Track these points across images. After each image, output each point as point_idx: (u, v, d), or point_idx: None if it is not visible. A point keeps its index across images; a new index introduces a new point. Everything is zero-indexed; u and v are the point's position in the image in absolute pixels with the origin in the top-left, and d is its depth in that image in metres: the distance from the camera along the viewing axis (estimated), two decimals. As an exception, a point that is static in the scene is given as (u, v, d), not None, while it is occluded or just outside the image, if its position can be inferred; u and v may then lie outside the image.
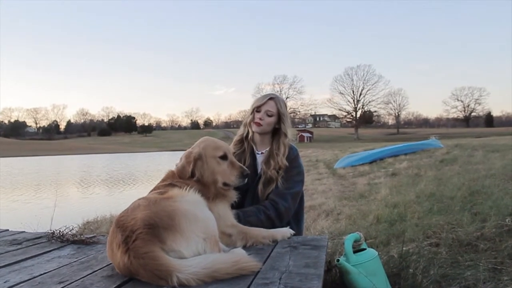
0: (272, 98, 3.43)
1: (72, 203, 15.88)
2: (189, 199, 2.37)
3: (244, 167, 2.77)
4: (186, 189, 2.49)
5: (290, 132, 3.44)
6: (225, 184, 2.72)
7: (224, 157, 2.75)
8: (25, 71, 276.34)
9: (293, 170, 3.35)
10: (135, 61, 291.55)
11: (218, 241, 2.30)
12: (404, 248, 3.24)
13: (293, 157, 3.39)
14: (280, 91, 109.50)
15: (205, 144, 2.80)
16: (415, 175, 11.20)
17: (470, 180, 7.95)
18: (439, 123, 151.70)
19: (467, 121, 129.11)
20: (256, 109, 3.43)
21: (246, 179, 2.78)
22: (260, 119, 3.37)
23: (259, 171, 3.43)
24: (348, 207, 7.86)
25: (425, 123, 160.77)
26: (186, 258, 2.08)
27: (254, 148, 3.51)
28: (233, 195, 2.85)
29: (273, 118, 3.39)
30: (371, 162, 18.54)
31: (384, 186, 9.69)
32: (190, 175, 2.71)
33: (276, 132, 3.44)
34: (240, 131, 3.59)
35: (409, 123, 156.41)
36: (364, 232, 4.81)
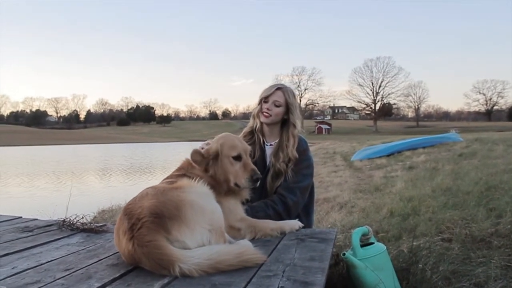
0: (279, 88, 3.38)
1: (90, 192, 16.08)
2: (197, 190, 2.37)
3: (257, 171, 2.70)
4: (195, 180, 2.49)
5: (300, 123, 3.38)
6: (236, 184, 2.69)
7: (238, 158, 2.71)
8: (46, 61, 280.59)
9: (303, 163, 3.31)
10: (155, 51, 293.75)
11: (224, 232, 2.30)
12: (414, 243, 3.20)
13: (302, 149, 3.34)
14: (299, 83, 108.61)
15: (222, 142, 2.77)
16: (432, 169, 11.03)
17: (488, 175, 7.80)
18: (459, 116, 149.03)
19: (489, 114, 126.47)
20: (264, 99, 3.38)
21: (258, 183, 2.72)
22: (268, 109, 3.33)
23: (267, 163, 3.41)
24: (362, 200, 7.77)
25: (445, 116, 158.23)
26: (190, 248, 2.08)
27: (263, 139, 3.48)
28: (246, 194, 2.83)
29: (281, 108, 3.34)
30: (388, 155, 18.33)
31: (400, 180, 9.56)
32: (205, 166, 2.71)
33: (285, 123, 3.40)
34: (250, 123, 3.55)
35: (429, 116, 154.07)
36: (376, 225, 4.77)
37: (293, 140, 3.30)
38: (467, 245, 3.70)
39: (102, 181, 20.70)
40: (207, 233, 2.17)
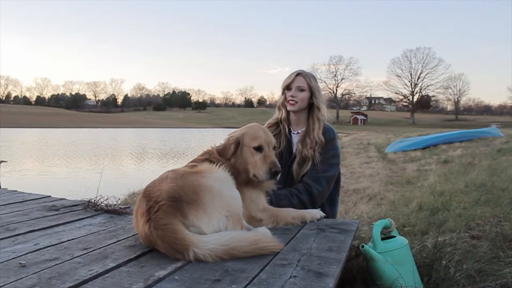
0: (299, 73, 3.36)
1: (125, 174, 16.43)
2: (217, 176, 2.36)
3: (276, 164, 2.63)
4: (217, 165, 2.48)
5: (324, 106, 3.34)
6: (254, 176, 2.64)
7: (259, 149, 2.65)
8: (85, 45, 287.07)
9: (329, 152, 3.25)
10: (192, 37, 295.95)
11: (242, 219, 2.28)
12: (439, 239, 3.10)
13: (329, 138, 3.28)
14: (335, 72, 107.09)
15: (245, 131, 2.74)
16: (468, 164, 10.71)
17: (527, 172, 7.51)
18: (502, 111, 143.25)
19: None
20: (287, 88, 3.36)
21: (277, 176, 2.67)
22: (293, 96, 3.30)
23: (294, 151, 3.37)
24: (392, 193, 7.63)
25: (486, 110, 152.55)
26: (205, 234, 2.08)
27: (290, 128, 3.45)
28: (269, 185, 2.79)
29: (305, 93, 3.31)
30: (424, 148, 17.95)
31: (433, 173, 9.34)
32: (228, 155, 2.68)
33: (310, 110, 3.36)
34: (276, 114, 3.52)
35: (469, 110, 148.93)
36: (404, 219, 4.66)
37: (318, 123, 3.26)
38: (497, 243, 3.55)
39: (137, 164, 21.08)
40: (224, 219, 2.17)
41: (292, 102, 3.31)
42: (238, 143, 2.68)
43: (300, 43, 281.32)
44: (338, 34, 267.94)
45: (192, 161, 2.75)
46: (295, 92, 3.30)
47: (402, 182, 9.29)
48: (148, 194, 2.21)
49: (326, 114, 3.34)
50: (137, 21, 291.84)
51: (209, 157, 2.71)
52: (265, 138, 2.69)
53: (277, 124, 3.49)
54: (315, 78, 3.41)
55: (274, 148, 2.78)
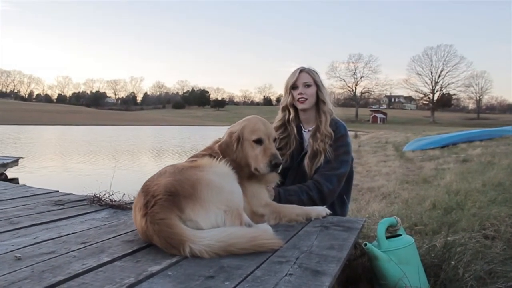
0: (302, 70, 3.31)
1: (141, 171, 16.53)
2: (216, 170, 2.32)
3: (277, 156, 2.58)
4: (217, 160, 2.44)
5: (329, 100, 3.30)
6: (256, 169, 2.60)
7: (258, 142, 2.61)
8: (105, 44, 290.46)
9: (341, 149, 3.20)
10: (211, 36, 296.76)
11: (241, 214, 2.24)
12: (450, 238, 3.00)
13: (340, 135, 3.23)
14: (355, 70, 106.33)
15: (244, 125, 2.69)
16: (488, 163, 10.47)
17: (547, 171, 7.29)
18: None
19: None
20: (292, 87, 3.31)
21: (278, 169, 2.62)
22: (301, 94, 3.25)
23: (305, 147, 3.33)
24: (407, 191, 7.50)
25: (510, 109, 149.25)
26: (203, 229, 2.04)
27: (301, 126, 3.40)
28: (272, 178, 2.76)
29: (312, 87, 3.26)
30: (443, 147, 17.65)
31: (450, 172, 9.16)
32: (232, 152, 2.63)
33: (317, 104, 3.31)
34: (279, 116, 3.46)
35: (491, 108, 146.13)
36: (416, 218, 4.56)
37: (324, 117, 3.22)
38: (512, 244, 3.45)
39: (156, 162, 21.19)
40: (222, 214, 2.12)
41: (302, 99, 3.25)
42: (239, 139, 2.64)
43: (319, 41, 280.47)
44: (358, 31, 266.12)
45: (193, 156, 2.71)
46: (303, 89, 3.25)
47: (418, 180, 9.14)
48: (146, 188, 2.18)
49: (331, 107, 3.29)
50: (157, 19, 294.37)
51: (210, 152, 2.67)
52: (264, 131, 2.64)
53: (284, 125, 3.42)
54: (317, 73, 3.36)
55: (275, 140, 2.72)
